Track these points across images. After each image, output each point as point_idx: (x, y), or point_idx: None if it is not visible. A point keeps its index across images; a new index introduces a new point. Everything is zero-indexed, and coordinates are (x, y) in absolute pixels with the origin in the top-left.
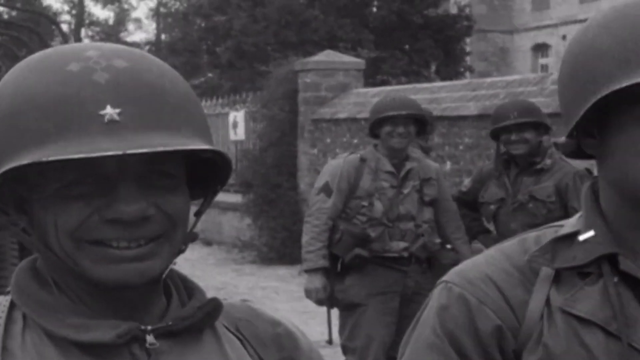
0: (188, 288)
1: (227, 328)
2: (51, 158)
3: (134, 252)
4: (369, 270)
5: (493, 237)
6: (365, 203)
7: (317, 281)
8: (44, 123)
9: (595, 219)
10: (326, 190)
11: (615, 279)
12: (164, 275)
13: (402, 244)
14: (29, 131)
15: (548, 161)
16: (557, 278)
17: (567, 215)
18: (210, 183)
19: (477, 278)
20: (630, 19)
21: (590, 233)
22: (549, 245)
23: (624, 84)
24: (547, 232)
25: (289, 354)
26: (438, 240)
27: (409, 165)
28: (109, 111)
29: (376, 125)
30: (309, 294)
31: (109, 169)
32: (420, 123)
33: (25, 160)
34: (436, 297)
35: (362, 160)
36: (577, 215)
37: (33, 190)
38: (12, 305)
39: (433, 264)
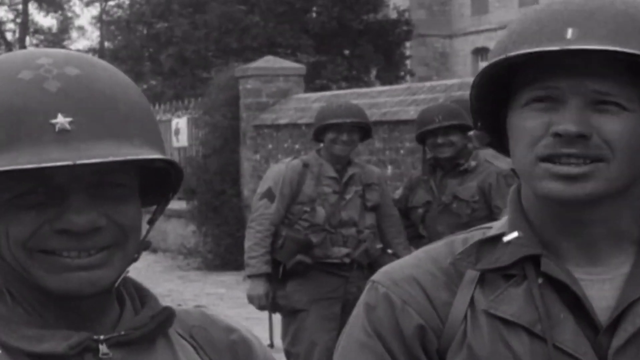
0: (142, 296)
1: (180, 335)
2: (1, 169)
3: (85, 262)
4: (311, 277)
5: (424, 242)
6: (307, 208)
7: (260, 287)
8: None
9: (519, 220)
10: (269, 195)
11: (540, 281)
12: (116, 284)
13: (344, 250)
14: None
15: (472, 163)
16: (482, 280)
17: (492, 214)
18: (162, 191)
19: (402, 279)
20: (527, 14)
21: (514, 234)
22: (474, 248)
23: (499, 59)
24: (475, 234)
25: None
26: (379, 246)
27: (351, 170)
28: (60, 120)
29: (320, 131)
30: (251, 299)
31: (60, 178)
32: (365, 130)
33: None
34: (364, 296)
35: (305, 165)
36: (506, 217)
37: None
38: None
39: (375, 270)
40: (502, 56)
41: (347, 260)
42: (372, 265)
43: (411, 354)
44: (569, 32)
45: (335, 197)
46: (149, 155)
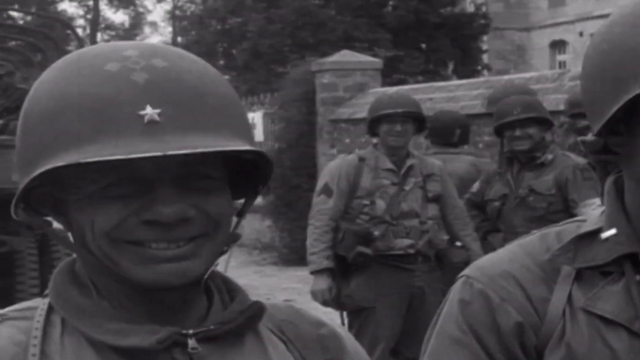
0: (230, 290)
1: (270, 330)
2: (89, 160)
3: (174, 253)
4: (375, 271)
5: (500, 236)
6: (367, 202)
7: (323, 282)
8: (81, 124)
9: (618, 217)
10: (326, 191)
11: (638, 278)
12: (205, 276)
13: (407, 241)
14: (67, 132)
15: (549, 156)
16: (579, 276)
17: (567, 208)
18: (251, 183)
19: (498, 275)
20: None
21: (612, 231)
22: (571, 244)
23: None
24: (569, 228)
25: (333, 356)
26: (446, 237)
27: (409, 162)
28: (149, 112)
29: (374, 124)
30: (314, 295)
31: (147, 170)
32: (419, 121)
33: (61, 161)
34: (457, 291)
35: (361, 159)
36: (599, 211)
37: (70, 191)
38: (50, 309)
39: (443, 262)
40: None
41: (411, 251)
42: (440, 257)
43: (508, 351)
44: None
45: (394, 188)
46: (238, 146)
